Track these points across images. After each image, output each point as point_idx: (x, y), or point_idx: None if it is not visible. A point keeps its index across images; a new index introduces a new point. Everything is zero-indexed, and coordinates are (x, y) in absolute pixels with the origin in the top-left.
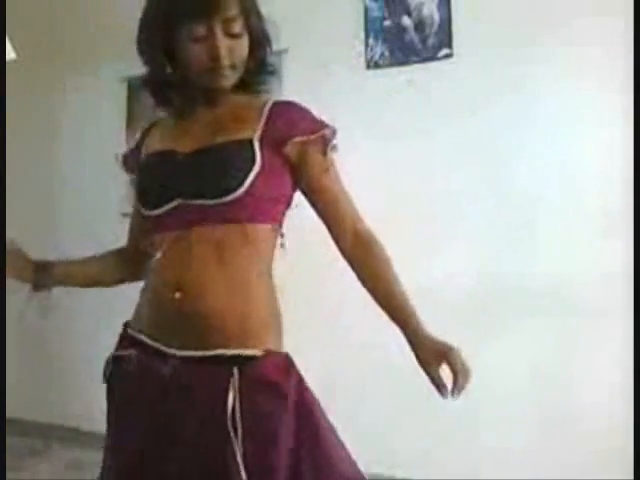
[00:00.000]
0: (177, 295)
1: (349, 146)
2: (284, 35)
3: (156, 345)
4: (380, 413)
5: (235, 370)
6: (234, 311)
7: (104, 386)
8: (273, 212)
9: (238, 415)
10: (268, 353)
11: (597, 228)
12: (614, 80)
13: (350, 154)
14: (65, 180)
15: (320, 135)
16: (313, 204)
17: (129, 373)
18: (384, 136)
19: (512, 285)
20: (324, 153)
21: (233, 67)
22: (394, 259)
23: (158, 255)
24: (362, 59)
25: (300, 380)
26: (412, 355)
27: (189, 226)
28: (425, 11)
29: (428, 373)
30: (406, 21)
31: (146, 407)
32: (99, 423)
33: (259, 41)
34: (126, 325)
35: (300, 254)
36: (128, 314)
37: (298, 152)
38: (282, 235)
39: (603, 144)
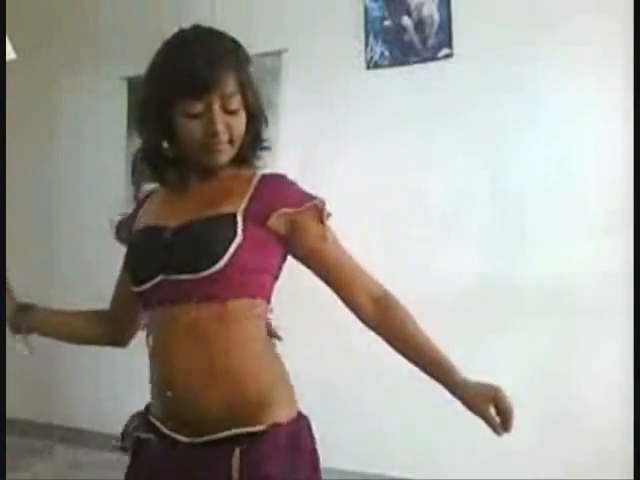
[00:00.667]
0: (169, 394)
1: (347, 145)
2: (284, 35)
3: (167, 432)
4: (380, 414)
5: (237, 451)
6: (230, 394)
7: (105, 387)
8: (258, 283)
9: None
10: (273, 426)
11: (597, 228)
12: (614, 79)
13: (349, 154)
14: (64, 179)
15: (310, 206)
16: (320, 276)
17: (149, 455)
18: (383, 136)
19: (512, 285)
20: (320, 221)
21: (231, 143)
22: (394, 259)
23: (151, 342)
24: (362, 59)
25: (307, 447)
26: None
27: (173, 302)
28: (425, 11)
29: (483, 417)
30: (406, 21)
31: None
32: (99, 423)
33: (255, 116)
34: (147, 407)
35: None
36: None
37: (286, 224)
38: (271, 310)
39: (603, 143)
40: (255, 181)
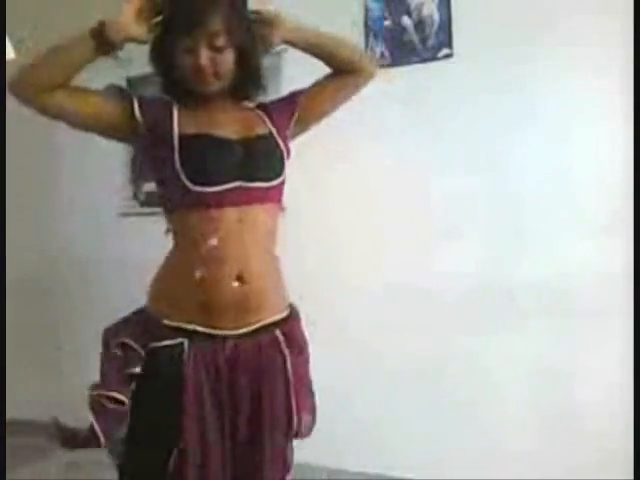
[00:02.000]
0: (235, 284)
1: (348, 146)
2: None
3: (208, 330)
4: (380, 414)
5: (277, 331)
6: (274, 287)
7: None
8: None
9: (290, 369)
10: (290, 310)
11: (597, 228)
12: (614, 79)
13: (349, 154)
14: (64, 180)
15: (296, 92)
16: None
17: (178, 360)
18: (383, 136)
19: (511, 285)
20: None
21: (216, 76)
22: (394, 259)
23: (213, 242)
24: None
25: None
26: (412, 356)
27: (247, 204)
28: (425, 11)
29: None
30: (406, 21)
31: (207, 386)
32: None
33: (245, 54)
34: (151, 318)
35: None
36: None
37: (295, 121)
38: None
39: (603, 143)
40: (259, 111)
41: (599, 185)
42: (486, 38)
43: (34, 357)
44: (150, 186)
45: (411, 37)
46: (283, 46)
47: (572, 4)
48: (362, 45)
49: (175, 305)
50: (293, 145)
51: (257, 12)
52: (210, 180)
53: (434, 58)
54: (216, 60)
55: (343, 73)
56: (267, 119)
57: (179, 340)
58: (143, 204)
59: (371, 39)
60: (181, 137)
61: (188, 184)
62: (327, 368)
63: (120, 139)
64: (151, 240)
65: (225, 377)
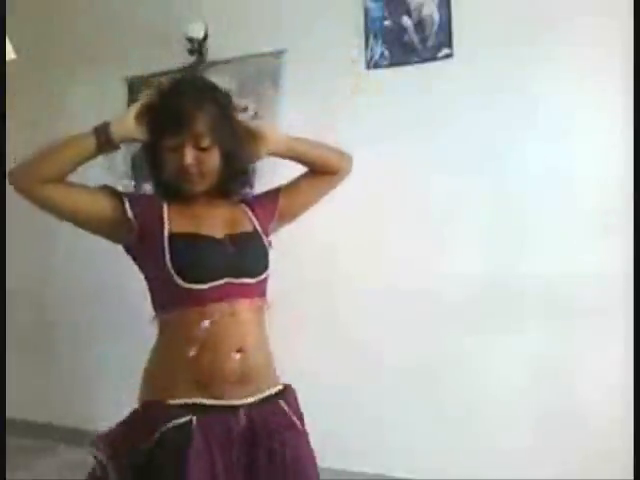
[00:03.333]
0: (237, 356)
1: (348, 146)
2: (284, 35)
3: (217, 402)
4: (382, 414)
5: (281, 402)
6: (267, 361)
7: (104, 387)
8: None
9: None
10: (284, 386)
11: (597, 228)
12: (614, 79)
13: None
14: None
15: (276, 190)
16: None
17: (188, 437)
18: (384, 136)
19: (511, 286)
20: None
21: (201, 175)
22: (394, 260)
23: (206, 324)
24: (362, 59)
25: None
26: (412, 356)
27: (236, 298)
28: (425, 11)
29: None
30: (406, 21)
31: (220, 461)
32: (99, 423)
33: (230, 155)
34: (149, 401)
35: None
36: (129, 318)
37: (277, 217)
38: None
39: (603, 143)
40: (243, 206)
41: (599, 185)
42: (486, 38)
43: (35, 357)
44: (150, 186)
45: (411, 37)
46: (283, 46)
47: (572, 4)
48: (362, 45)
49: (173, 385)
50: None
51: (246, 125)
52: (200, 278)
53: (434, 58)
54: (201, 159)
55: (324, 174)
56: (251, 214)
57: (188, 418)
58: None
59: (371, 39)
60: (171, 236)
61: (179, 282)
62: (328, 368)
63: (110, 236)
64: None
65: (242, 447)
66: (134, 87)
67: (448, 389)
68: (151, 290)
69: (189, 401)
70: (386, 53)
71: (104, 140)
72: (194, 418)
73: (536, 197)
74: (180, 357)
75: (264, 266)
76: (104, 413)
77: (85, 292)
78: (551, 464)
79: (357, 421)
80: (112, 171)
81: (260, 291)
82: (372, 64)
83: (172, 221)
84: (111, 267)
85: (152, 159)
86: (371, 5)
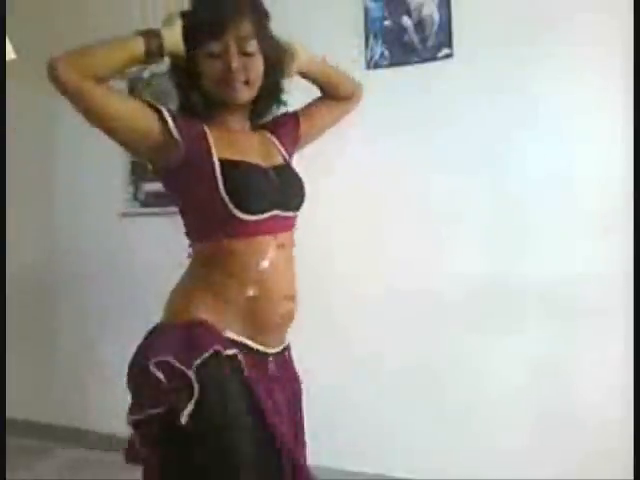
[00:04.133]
0: (287, 303)
1: (348, 146)
2: (283, 35)
3: (256, 346)
4: (381, 414)
5: (287, 353)
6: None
7: (104, 386)
8: None
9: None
10: None
11: (597, 227)
12: (615, 79)
13: (349, 153)
14: (64, 179)
15: (295, 116)
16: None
17: (238, 370)
18: (383, 136)
19: (511, 285)
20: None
21: (247, 83)
22: (395, 259)
23: (265, 264)
24: (362, 59)
25: None
26: (413, 356)
27: (280, 232)
28: (425, 11)
29: None
30: (406, 21)
31: (258, 397)
32: (99, 423)
33: (272, 64)
34: (207, 325)
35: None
36: (130, 317)
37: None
38: None
39: (604, 143)
40: (268, 135)
41: (600, 184)
42: (486, 38)
43: (35, 357)
44: (150, 186)
45: (411, 37)
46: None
47: (572, 3)
48: (362, 45)
49: (220, 317)
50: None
51: (277, 41)
52: (254, 208)
53: (434, 58)
54: (246, 65)
55: (339, 98)
56: (279, 144)
57: (233, 351)
58: (143, 204)
59: (371, 39)
60: (221, 162)
61: (234, 211)
62: (327, 368)
63: (150, 155)
64: (151, 240)
65: (271, 388)
66: (135, 87)
67: (448, 389)
68: (191, 218)
69: (237, 339)
70: (386, 53)
71: (155, 46)
72: (241, 355)
73: (536, 197)
74: (235, 297)
75: (303, 200)
76: (105, 413)
77: (89, 294)
78: (551, 464)
79: (356, 421)
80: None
81: (294, 224)
82: (372, 64)
83: (221, 146)
84: (114, 267)
85: (187, 69)
86: (371, 5)
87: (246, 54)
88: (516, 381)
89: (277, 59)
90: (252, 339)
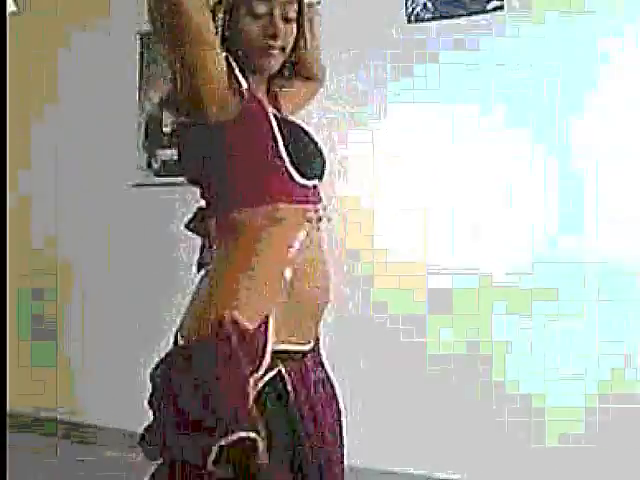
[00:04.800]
0: (319, 287)
1: (388, 108)
2: None
3: (294, 348)
4: (387, 411)
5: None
6: None
7: (104, 385)
8: None
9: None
10: None
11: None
12: None
13: (389, 117)
14: (72, 141)
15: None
16: None
17: (284, 391)
18: (425, 98)
19: (568, 263)
20: None
21: (282, 50)
22: (438, 235)
23: (302, 235)
24: (402, 12)
25: None
26: (413, 356)
27: (318, 202)
28: None
29: None
30: None
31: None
32: (99, 423)
33: (303, 32)
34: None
35: None
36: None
37: None
38: None
39: None
40: None
41: None
42: None
43: (36, 356)
44: (165, 153)
45: None
46: None
47: None
48: None
49: (259, 311)
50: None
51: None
52: (310, 173)
53: (483, 11)
54: (286, 31)
55: (312, 78)
56: None
57: (276, 370)
58: (158, 174)
59: None
60: (280, 120)
61: (295, 174)
62: (363, 354)
63: (210, 100)
64: (166, 213)
65: (309, 391)
66: (147, 42)
67: (498, 379)
68: (235, 180)
69: (278, 348)
70: (429, 5)
71: None
72: (283, 369)
73: (596, 166)
74: (272, 279)
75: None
76: (109, 410)
77: (95, 274)
78: (610, 463)
79: (358, 421)
80: None
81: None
82: (414, 17)
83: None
84: (126, 242)
85: (227, 26)
86: None
87: (287, 20)
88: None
89: (310, 25)
90: (291, 335)
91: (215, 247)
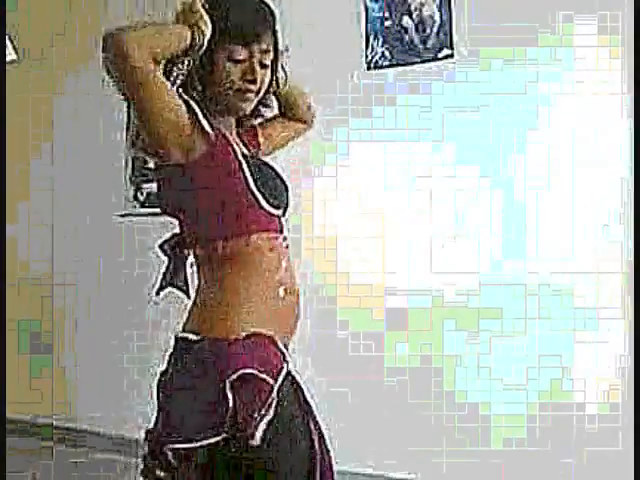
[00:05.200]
0: (297, 301)
1: (348, 146)
2: (284, 35)
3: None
4: (381, 414)
5: None
6: None
7: (104, 386)
8: None
9: None
10: None
11: (598, 228)
12: (615, 80)
13: (350, 154)
14: (63, 180)
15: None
16: None
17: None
18: (383, 137)
19: (512, 285)
20: None
21: (257, 94)
22: (395, 259)
23: (285, 263)
24: (362, 59)
25: None
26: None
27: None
28: (426, 11)
29: None
30: (407, 21)
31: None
32: (99, 423)
33: (276, 78)
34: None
35: None
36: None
37: None
38: None
39: (604, 143)
40: None
41: (600, 184)
42: (487, 38)
43: (36, 357)
44: (150, 186)
45: (412, 37)
46: (281, 47)
47: (573, 4)
48: (362, 45)
49: (260, 324)
50: (296, 145)
51: None
52: (278, 202)
53: (435, 58)
54: (262, 78)
55: (295, 119)
56: None
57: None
58: (143, 205)
59: (371, 39)
60: (245, 158)
61: (265, 205)
62: (326, 367)
63: (174, 148)
64: (151, 239)
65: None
66: None
67: (448, 389)
68: (212, 216)
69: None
70: (387, 53)
71: (199, 39)
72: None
73: (537, 197)
74: (269, 293)
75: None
76: (105, 414)
77: (87, 294)
78: (551, 465)
79: (357, 421)
80: None
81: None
82: (373, 64)
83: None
84: (113, 266)
85: (205, 70)
86: (371, 5)
87: (263, 65)
88: (515, 382)
89: (281, 71)
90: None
91: (203, 272)
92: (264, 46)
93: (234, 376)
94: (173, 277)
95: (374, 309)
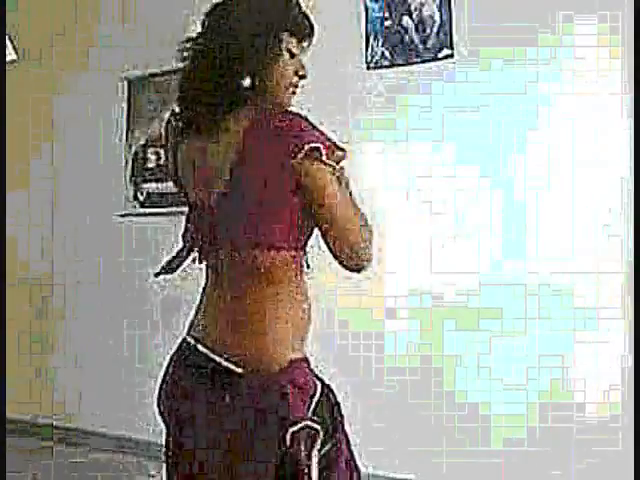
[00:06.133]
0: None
1: (348, 147)
2: None
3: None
4: (381, 414)
5: None
6: None
7: (104, 386)
8: None
9: None
10: None
11: (598, 228)
12: (615, 79)
13: (350, 154)
14: (64, 180)
15: None
16: None
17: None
18: (384, 137)
19: (512, 285)
20: None
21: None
22: (395, 259)
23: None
24: (362, 59)
25: None
26: (414, 356)
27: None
28: (426, 11)
29: None
30: (407, 21)
31: None
32: (99, 423)
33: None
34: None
35: None
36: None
37: None
38: None
39: (604, 143)
40: None
41: (600, 185)
42: (487, 38)
43: (36, 358)
44: (149, 186)
45: (412, 37)
46: None
47: (573, 4)
48: (362, 45)
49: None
50: None
51: None
52: None
53: (435, 59)
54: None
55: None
56: None
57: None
58: (143, 205)
59: (371, 39)
60: None
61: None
62: (325, 367)
63: None
64: (150, 238)
65: None
66: (133, 87)
67: (448, 389)
68: (277, 224)
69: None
70: (387, 54)
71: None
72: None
73: (537, 197)
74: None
75: None
76: (105, 414)
77: (87, 294)
78: (551, 466)
79: (357, 421)
80: None
81: None
82: (373, 64)
83: None
84: (114, 267)
85: (272, 60)
86: (371, 5)
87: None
88: (516, 381)
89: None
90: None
91: (221, 278)
92: (310, 43)
93: (295, 428)
94: (177, 266)
95: (374, 309)
